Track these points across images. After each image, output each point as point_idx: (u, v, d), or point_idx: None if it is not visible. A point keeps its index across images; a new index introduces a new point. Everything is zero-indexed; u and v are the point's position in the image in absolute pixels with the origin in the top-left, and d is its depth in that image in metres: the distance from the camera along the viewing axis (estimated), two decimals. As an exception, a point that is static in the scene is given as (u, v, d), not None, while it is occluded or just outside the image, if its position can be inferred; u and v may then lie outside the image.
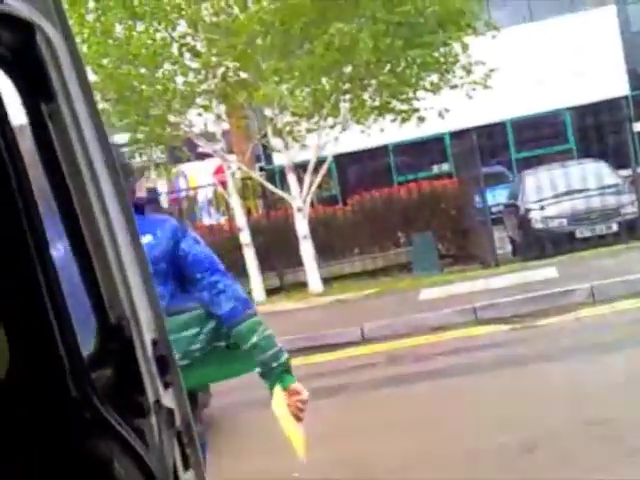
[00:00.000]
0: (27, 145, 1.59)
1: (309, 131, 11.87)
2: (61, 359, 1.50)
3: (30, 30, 1.52)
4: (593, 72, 21.17)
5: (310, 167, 11.61)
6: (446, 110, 12.13)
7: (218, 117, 12.40)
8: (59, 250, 1.60)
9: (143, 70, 10.85)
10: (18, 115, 1.61)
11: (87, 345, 1.55)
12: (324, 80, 10.87)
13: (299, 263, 12.26)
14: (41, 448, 1.54)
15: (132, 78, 10.81)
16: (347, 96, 11.66)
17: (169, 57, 11.21)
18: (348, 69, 11.11)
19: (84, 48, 10.48)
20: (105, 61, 10.92)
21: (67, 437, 1.52)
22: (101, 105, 11.09)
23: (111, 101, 11.32)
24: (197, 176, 18.02)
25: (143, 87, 10.97)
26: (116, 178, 1.62)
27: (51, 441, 1.53)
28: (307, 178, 11.65)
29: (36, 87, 1.56)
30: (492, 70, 12.19)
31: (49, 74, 1.55)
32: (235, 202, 12.52)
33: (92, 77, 11.04)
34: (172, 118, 11.78)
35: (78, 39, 10.39)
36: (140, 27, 11.02)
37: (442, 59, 11.67)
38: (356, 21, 10.09)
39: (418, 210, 13.23)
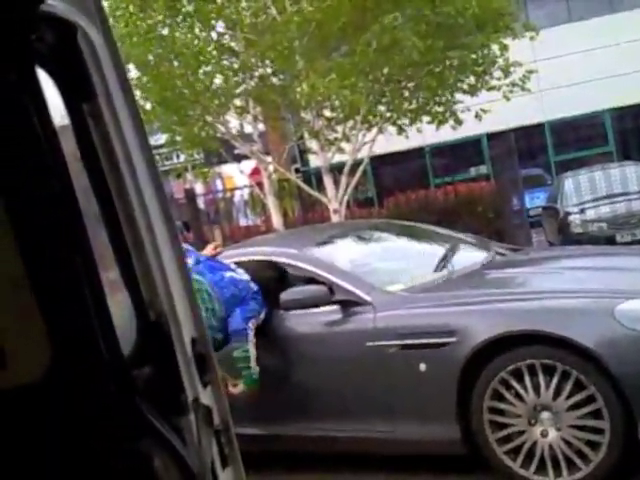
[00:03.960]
0: (68, 144, 1.60)
1: (345, 136, 11.84)
2: (102, 357, 1.50)
3: (71, 30, 1.53)
4: (633, 73, 20.89)
5: (346, 169, 11.59)
6: (483, 111, 12.04)
7: (255, 118, 12.43)
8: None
9: (184, 69, 10.89)
10: (60, 115, 1.62)
11: (127, 343, 1.56)
12: (362, 82, 10.83)
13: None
14: (82, 445, 1.54)
15: (174, 77, 10.86)
16: (384, 98, 11.63)
17: (209, 57, 11.26)
18: (385, 71, 11.07)
19: (127, 44, 10.61)
20: (149, 58, 11.01)
21: (107, 434, 1.53)
22: (142, 103, 11.19)
23: (152, 100, 11.41)
24: (234, 177, 18.09)
25: (184, 86, 11.03)
26: (155, 177, 1.63)
27: (91, 438, 1.54)
28: (343, 180, 11.63)
29: (77, 86, 1.57)
30: (530, 72, 12.08)
31: (90, 73, 1.56)
32: (271, 203, 12.55)
33: (135, 74, 11.17)
34: (210, 119, 11.84)
35: (123, 36, 10.52)
36: (183, 27, 11.11)
37: (480, 61, 11.59)
38: (396, 22, 10.03)
39: (455, 212, 13.12)
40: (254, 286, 5.06)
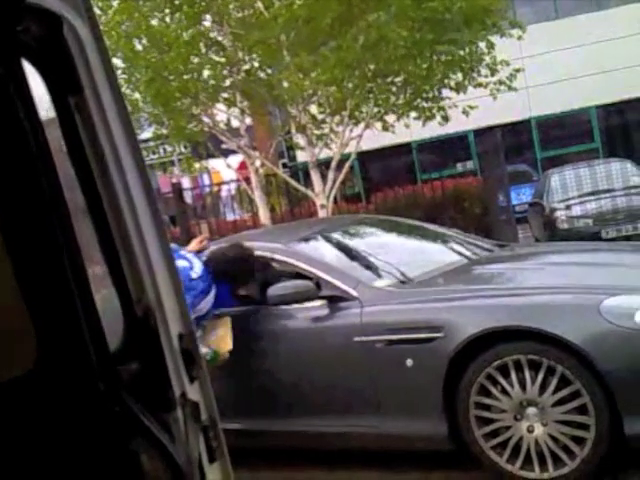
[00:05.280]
0: (54, 138, 1.59)
1: (332, 132, 11.83)
2: (88, 352, 1.49)
3: (57, 22, 1.52)
4: (619, 70, 20.99)
5: (333, 164, 11.58)
6: (470, 107, 12.06)
7: (242, 112, 12.40)
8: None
9: (175, 57, 10.84)
10: (46, 108, 1.60)
11: (114, 339, 1.55)
12: (348, 77, 10.81)
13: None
14: (69, 440, 1.53)
15: (164, 66, 10.81)
16: (371, 94, 11.62)
17: (197, 49, 11.21)
18: (372, 66, 11.05)
19: (120, 31, 10.62)
20: (139, 47, 10.98)
21: (94, 429, 1.52)
22: (129, 92, 11.16)
23: (140, 90, 11.36)
24: (221, 172, 18.05)
25: (172, 77, 10.99)
26: (142, 170, 1.62)
27: (78, 433, 1.53)
28: (330, 175, 11.62)
29: (63, 79, 1.56)
30: (517, 70, 12.10)
31: (76, 66, 1.55)
32: (259, 198, 12.53)
33: (122, 64, 11.14)
34: (197, 112, 11.80)
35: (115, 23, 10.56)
36: (175, 18, 11.09)
37: (468, 57, 11.59)
38: (383, 17, 10.02)
39: (442, 208, 13.14)
40: (193, 274, 4.61)
